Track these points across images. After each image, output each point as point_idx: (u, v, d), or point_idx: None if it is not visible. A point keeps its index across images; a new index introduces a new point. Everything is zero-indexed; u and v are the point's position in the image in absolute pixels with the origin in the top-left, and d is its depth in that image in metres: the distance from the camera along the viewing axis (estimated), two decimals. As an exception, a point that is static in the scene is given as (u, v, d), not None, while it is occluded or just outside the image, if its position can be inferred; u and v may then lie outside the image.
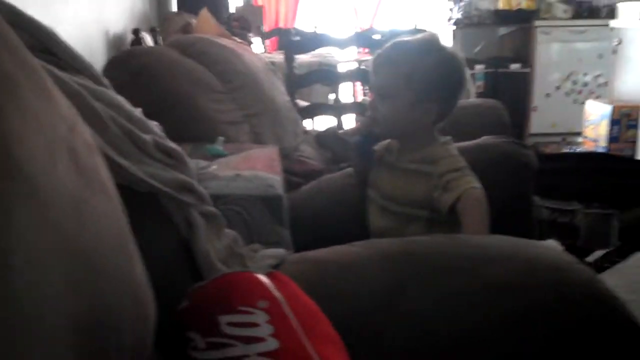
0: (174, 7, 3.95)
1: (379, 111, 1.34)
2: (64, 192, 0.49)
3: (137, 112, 0.87)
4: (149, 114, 0.93)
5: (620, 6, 4.04)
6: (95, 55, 2.14)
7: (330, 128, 2.30)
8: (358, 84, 4.14)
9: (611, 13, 4.33)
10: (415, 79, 1.28)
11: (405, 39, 1.35)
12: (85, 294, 0.48)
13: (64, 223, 0.47)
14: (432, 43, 1.33)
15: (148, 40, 2.67)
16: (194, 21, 3.20)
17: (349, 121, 2.69)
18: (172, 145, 0.88)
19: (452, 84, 1.33)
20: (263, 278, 0.70)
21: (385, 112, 1.32)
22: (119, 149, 0.75)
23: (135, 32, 2.52)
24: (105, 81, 0.85)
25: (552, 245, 1.70)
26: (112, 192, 0.60)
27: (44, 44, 0.77)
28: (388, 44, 1.35)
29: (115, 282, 0.54)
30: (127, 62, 1.75)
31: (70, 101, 0.62)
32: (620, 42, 4.08)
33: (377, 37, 2.83)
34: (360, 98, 4.12)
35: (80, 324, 0.46)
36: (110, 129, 0.75)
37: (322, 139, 2.18)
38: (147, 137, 0.83)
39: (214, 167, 1.32)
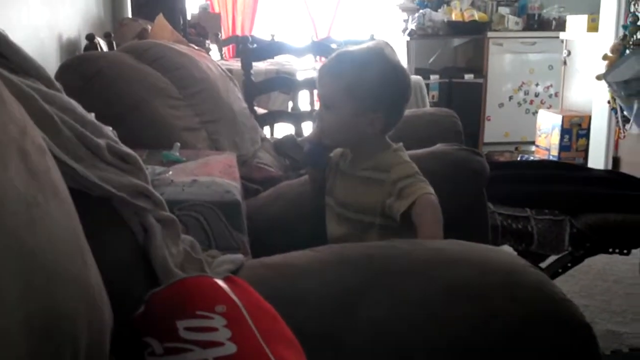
0: (129, 13, 3.90)
1: (324, 121, 1.34)
2: (15, 195, 0.48)
3: (90, 116, 0.86)
4: (102, 120, 0.91)
5: (569, 18, 4.17)
6: (48, 61, 2.09)
7: (288, 135, 2.30)
8: (315, 92, 4.16)
9: (561, 25, 4.46)
10: (356, 90, 1.28)
11: (350, 49, 1.34)
12: (38, 298, 0.47)
13: (16, 226, 0.46)
14: (375, 54, 1.32)
15: (103, 46, 2.63)
16: (149, 27, 3.16)
17: (307, 129, 2.69)
18: (127, 150, 0.87)
19: (394, 95, 1.32)
20: (220, 282, 0.69)
21: (329, 121, 1.33)
22: (72, 153, 0.74)
23: (90, 37, 2.47)
24: (58, 85, 0.84)
25: (506, 250, 1.73)
26: (64, 195, 0.59)
27: (-6, 45, 0.75)
28: (333, 55, 1.35)
29: (70, 286, 0.53)
30: (79, 66, 1.71)
31: (21, 104, 0.61)
32: (569, 54, 4.20)
33: (334, 46, 2.86)
34: (317, 106, 4.14)
35: (34, 329, 0.45)
36: (63, 132, 0.74)
37: (280, 146, 2.18)
38: (101, 141, 0.82)
39: (170, 173, 1.31)
